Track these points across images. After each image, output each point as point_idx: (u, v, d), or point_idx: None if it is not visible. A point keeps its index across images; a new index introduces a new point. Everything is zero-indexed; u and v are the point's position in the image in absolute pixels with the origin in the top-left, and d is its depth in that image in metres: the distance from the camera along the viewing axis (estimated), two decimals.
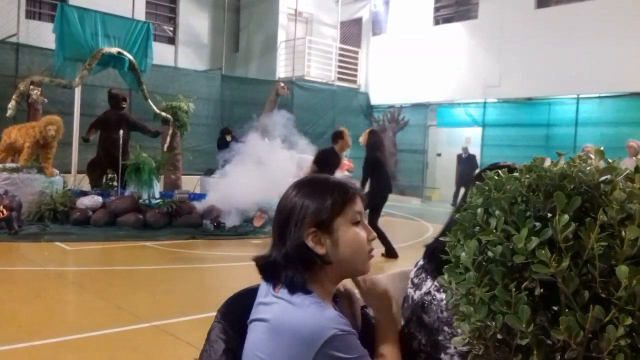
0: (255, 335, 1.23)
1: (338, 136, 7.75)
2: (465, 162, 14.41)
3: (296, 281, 1.22)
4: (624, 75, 11.93)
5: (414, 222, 11.59)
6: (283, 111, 10.78)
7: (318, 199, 1.27)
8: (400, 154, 17.19)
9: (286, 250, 1.25)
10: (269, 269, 1.28)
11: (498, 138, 14.68)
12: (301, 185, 1.32)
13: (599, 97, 12.96)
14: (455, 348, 1.36)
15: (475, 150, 15.28)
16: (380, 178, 7.63)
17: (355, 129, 17.80)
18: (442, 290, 1.40)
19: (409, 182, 16.71)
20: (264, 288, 1.29)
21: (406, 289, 1.59)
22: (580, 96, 13.19)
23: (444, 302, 1.39)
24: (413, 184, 16.78)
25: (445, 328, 1.38)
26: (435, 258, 1.43)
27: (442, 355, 1.39)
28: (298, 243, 1.24)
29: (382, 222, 10.19)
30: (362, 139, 8.03)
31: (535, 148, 12.75)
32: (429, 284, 1.47)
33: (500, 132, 14.72)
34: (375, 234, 1.33)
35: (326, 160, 7.51)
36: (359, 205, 1.31)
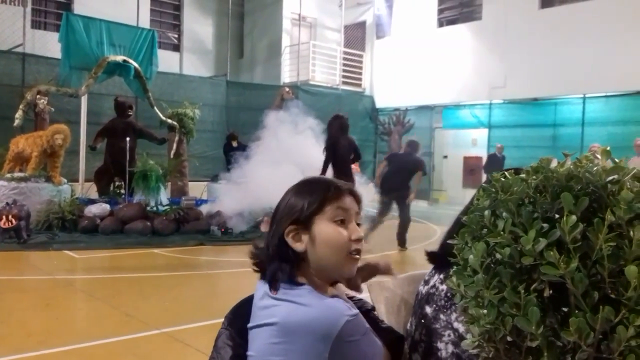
0: (261, 341, 1.23)
1: None
2: (502, 162, 13.93)
3: (280, 275, 1.25)
4: (630, 73, 11.88)
5: (421, 225, 11.55)
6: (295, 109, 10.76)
7: (300, 197, 1.30)
8: None
9: (271, 243, 1.30)
10: (260, 262, 1.33)
11: (504, 139, 14.60)
12: (295, 185, 1.36)
13: (606, 96, 12.91)
14: (449, 336, 1.37)
15: (481, 151, 15.23)
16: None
17: (361, 133, 17.89)
18: (444, 282, 1.42)
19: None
20: (260, 292, 1.30)
21: (416, 290, 1.60)
22: (586, 96, 13.14)
23: (444, 292, 1.41)
24: (420, 186, 16.73)
25: (441, 316, 1.40)
26: (442, 257, 1.45)
27: (438, 344, 1.40)
28: (278, 239, 1.28)
29: (390, 225, 10.16)
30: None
31: (542, 148, 12.70)
32: (435, 278, 1.49)
33: (507, 133, 14.66)
34: (361, 235, 1.30)
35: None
36: (345, 203, 1.30)
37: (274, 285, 1.25)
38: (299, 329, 1.18)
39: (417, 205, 14.99)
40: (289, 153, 8.84)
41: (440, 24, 16.66)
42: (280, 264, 1.26)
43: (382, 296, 1.72)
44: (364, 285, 1.71)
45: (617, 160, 0.92)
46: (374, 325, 1.44)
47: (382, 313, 1.67)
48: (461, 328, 1.34)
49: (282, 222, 1.28)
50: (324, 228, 1.26)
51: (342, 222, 1.28)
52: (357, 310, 1.24)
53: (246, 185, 9.28)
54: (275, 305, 1.23)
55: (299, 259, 1.27)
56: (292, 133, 9.59)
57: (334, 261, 1.27)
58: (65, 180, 9.42)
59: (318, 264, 1.27)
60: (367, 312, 1.48)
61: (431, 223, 11.57)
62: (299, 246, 1.27)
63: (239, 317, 1.35)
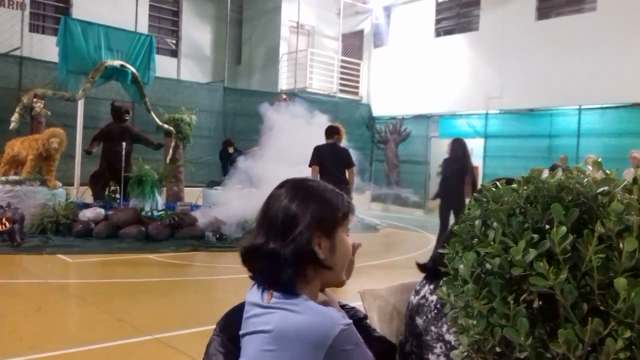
0: (254, 348, 1.23)
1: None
2: None
3: (293, 281, 1.25)
4: (625, 85, 11.93)
5: (416, 234, 11.57)
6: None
7: (329, 206, 1.32)
8: (402, 165, 17.19)
9: (294, 249, 1.26)
10: (259, 259, 1.28)
11: (500, 149, 14.64)
12: (305, 188, 1.35)
13: (601, 107, 12.95)
14: (441, 348, 1.37)
15: (477, 161, 15.24)
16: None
17: (357, 141, 17.89)
18: (434, 292, 1.43)
19: (411, 194, 16.67)
20: (251, 299, 1.29)
21: (408, 299, 1.60)
22: (582, 107, 13.17)
23: (434, 303, 1.41)
24: (415, 195, 16.75)
25: (432, 328, 1.40)
26: (434, 268, 1.46)
27: (430, 356, 1.40)
28: (304, 245, 1.26)
29: (385, 233, 10.17)
30: None
31: (537, 159, 12.73)
32: (425, 288, 1.49)
33: (503, 143, 14.69)
34: (358, 246, 1.39)
35: None
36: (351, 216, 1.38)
37: (279, 290, 1.25)
38: (294, 336, 1.17)
39: (413, 215, 15.03)
40: (285, 158, 8.80)
41: (438, 34, 16.72)
42: (297, 270, 1.26)
43: (375, 305, 1.72)
44: (357, 294, 1.71)
45: (608, 171, 0.92)
46: (366, 334, 1.44)
47: (375, 321, 1.67)
48: (453, 340, 1.34)
49: (311, 229, 1.27)
50: (343, 239, 1.33)
51: (347, 235, 1.36)
52: (351, 321, 1.24)
53: (242, 191, 9.26)
54: (270, 313, 1.23)
55: (320, 265, 1.28)
56: (289, 137, 9.57)
57: (341, 269, 1.34)
58: (60, 184, 9.39)
59: (329, 272, 1.31)
60: (359, 320, 1.48)
61: (426, 232, 11.55)
62: (322, 253, 1.28)
63: (231, 324, 1.35)
